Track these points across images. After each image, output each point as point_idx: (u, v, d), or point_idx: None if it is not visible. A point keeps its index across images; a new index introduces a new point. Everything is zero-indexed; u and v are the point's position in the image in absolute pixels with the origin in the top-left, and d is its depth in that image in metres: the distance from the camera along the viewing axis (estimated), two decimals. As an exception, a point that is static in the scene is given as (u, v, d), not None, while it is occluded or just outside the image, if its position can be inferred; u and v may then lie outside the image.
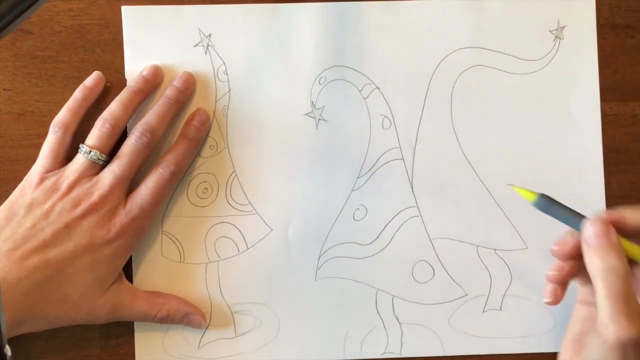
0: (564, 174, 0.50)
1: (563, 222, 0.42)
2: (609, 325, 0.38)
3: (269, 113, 0.49)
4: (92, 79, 0.48)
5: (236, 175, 0.49)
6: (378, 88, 0.49)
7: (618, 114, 0.50)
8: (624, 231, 0.41)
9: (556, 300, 0.43)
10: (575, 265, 0.43)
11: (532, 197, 0.42)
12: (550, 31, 0.50)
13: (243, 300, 0.49)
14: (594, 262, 0.40)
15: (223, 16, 0.49)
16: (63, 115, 0.47)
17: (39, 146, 0.47)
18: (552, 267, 0.43)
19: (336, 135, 0.49)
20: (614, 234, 0.40)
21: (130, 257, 0.48)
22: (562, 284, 0.43)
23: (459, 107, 0.49)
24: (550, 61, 0.50)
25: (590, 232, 0.40)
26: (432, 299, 0.49)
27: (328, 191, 0.49)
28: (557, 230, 0.49)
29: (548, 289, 0.43)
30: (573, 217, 0.42)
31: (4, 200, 0.46)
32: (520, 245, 0.49)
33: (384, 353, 0.49)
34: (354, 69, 0.49)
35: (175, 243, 0.49)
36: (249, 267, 0.49)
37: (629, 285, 0.38)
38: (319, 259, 0.49)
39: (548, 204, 0.42)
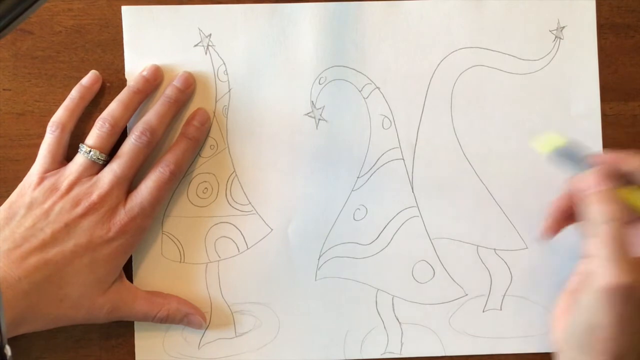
0: (564, 173, 0.49)
1: (576, 171, 0.42)
2: (601, 271, 0.38)
3: (269, 113, 0.49)
4: (89, 77, 0.48)
5: (236, 175, 0.49)
6: (378, 88, 0.49)
7: (618, 114, 0.50)
8: (624, 177, 0.41)
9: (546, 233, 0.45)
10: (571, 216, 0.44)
11: (548, 147, 0.43)
12: (550, 31, 0.50)
13: (243, 300, 0.49)
14: (589, 210, 0.40)
15: (223, 16, 0.49)
16: (60, 114, 0.47)
17: (39, 146, 0.47)
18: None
19: (336, 135, 0.49)
20: (609, 182, 0.40)
21: (130, 257, 0.48)
22: (556, 227, 0.45)
23: (459, 107, 0.49)
24: (550, 61, 0.50)
25: (588, 181, 0.41)
26: (432, 299, 0.49)
27: (328, 191, 0.49)
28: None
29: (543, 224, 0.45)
30: (583, 166, 0.42)
31: (4, 200, 0.46)
32: (520, 245, 0.49)
33: (384, 353, 0.49)
34: (354, 69, 0.49)
35: (175, 243, 0.49)
36: (249, 267, 0.49)
37: (623, 233, 0.39)
38: (319, 259, 0.49)
39: (564, 156, 0.42)
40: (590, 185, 0.41)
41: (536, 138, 0.44)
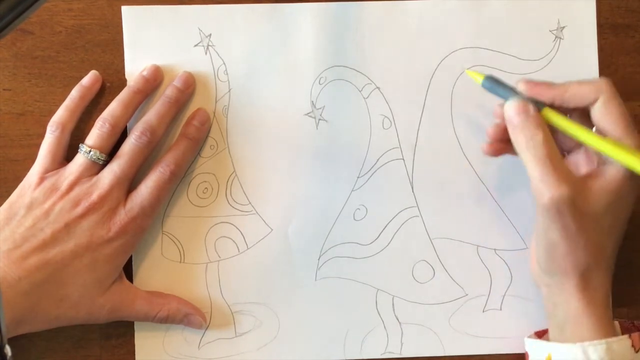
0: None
1: (504, 97, 0.44)
2: (540, 189, 0.41)
3: (269, 113, 0.49)
4: (89, 78, 0.48)
5: (236, 175, 0.49)
6: (378, 88, 0.49)
7: (618, 114, 0.50)
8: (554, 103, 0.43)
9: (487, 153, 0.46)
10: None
11: (480, 78, 0.45)
12: (550, 31, 0.50)
13: (243, 300, 0.49)
14: (517, 138, 0.42)
15: (223, 16, 0.49)
16: (60, 114, 0.47)
17: (39, 146, 0.47)
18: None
19: (336, 135, 0.49)
20: (532, 108, 0.42)
21: (130, 257, 0.48)
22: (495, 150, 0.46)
23: (459, 107, 0.49)
24: (550, 61, 0.50)
25: (509, 112, 0.43)
26: (432, 299, 0.49)
27: (328, 191, 0.49)
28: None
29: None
30: (512, 95, 0.44)
31: (4, 201, 0.46)
32: (520, 245, 0.49)
33: (384, 353, 0.49)
34: (354, 69, 0.49)
35: (175, 243, 0.49)
36: (249, 267, 0.49)
37: (552, 149, 0.41)
38: (319, 259, 0.49)
39: (493, 84, 0.44)
40: (512, 114, 0.43)
41: (469, 71, 0.46)
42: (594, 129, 0.43)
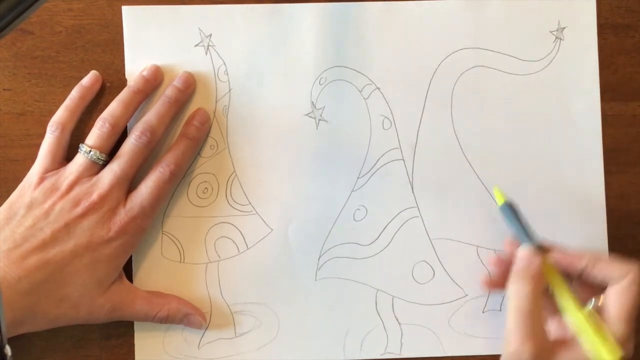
0: (564, 174, 0.50)
1: (515, 233, 0.46)
2: (507, 338, 0.42)
3: (270, 113, 0.49)
4: (89, 78, 0.48)
5: (236, 175, 0.49)
6: (378, 88, 0.49)
7: (618, 114, 0.50)
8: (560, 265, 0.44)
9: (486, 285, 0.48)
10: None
11: (500, 201, 0.47)
12: (550, 32, 0.50)
13: (243, 300, 0.49)
14: (510, 282, 0.44)
15: (223, 16, 0.49)
16: (60, 114, 0.47)
17: (39, 146, 0.47)
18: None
19: (336, 135, 0.49)
20: (536, 260, 0.44)
21: (130, 257, 0.48)
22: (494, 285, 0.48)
23: (459, 108, 0.49)
24: (550, 62, 0.50)
25: (518, 255, 0.45)
26: (432, 300, 0.49)
27: (328, 191, 0.49)
28: (557, 232, 0.49)
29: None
30: (523, 234, 0.46)
31: (4, 200, 0.46)
32: (520, 245, 0.49)
33: (384, 353, 0.49)
34: (354, 70, 0.49)
35: (175, 243, 0.49)
36: (249, 267, 0.49)
37: (532, 305, 0.42)
38: (319, 259, 0.49)
39: (509, 214, 0.46)
40: (518, 259, 0.44)
41: (497, 189, 0.48)
42: (600, 301, 0.43)
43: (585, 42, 0.50)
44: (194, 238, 0.49)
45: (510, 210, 0.47)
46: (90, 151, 0.46)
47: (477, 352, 0.49)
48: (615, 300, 0.42)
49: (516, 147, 0.50)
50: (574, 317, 0.42)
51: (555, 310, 0.45)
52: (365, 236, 0.49)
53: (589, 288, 0.45)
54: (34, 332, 0.45)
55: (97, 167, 0.46)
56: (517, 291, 0.43)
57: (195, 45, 0.49)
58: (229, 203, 0.49)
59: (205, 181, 0.49)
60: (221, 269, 0.49)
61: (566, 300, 0.43)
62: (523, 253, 0.45)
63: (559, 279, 0.44)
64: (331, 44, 0.49)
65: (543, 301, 0.43)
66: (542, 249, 0.45)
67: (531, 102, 0.50)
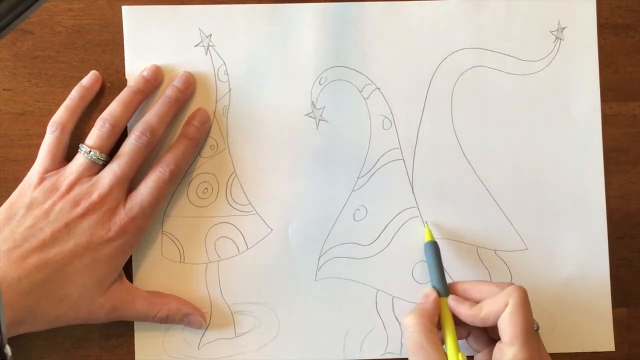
0: (564, 174, 0.50)
1: (429, 270, 0.47)
2: None
3: (270, 113, 0.49)
4: (89, 78, 0.48)
5: (236, 175, 0.49)
6: (378, 88, 0.49)
7: (618, 114, 0.50)
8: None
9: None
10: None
11: (427, 238, 0.48)
12: (550, 32, 0.50)
13: (243, 300, 0.49)
14: (404, 316, 0.45)
15: (223, 16, 0.49)
16: (60, 114, 0.47)
17: (39, 146, 0.47)
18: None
19: (336, 135, 0.49)
20: (432, 297, 0.46)
21: (130, 257, 0.48)
22: None
23: (459, 108, 0.49)
24: (550, 62, 0.50)
25: (423, 299, 0.46)
26: (432, 299, 0.49)
27: (328, 191, 0.49)
28: (557, 232, 0.49)
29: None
30: (434, 274, 0.47)
31: (4, 200, 0.46)
32: (520, 245, 0.49)
33: (384, 353, 0.49)
34: (354, 70, 0.49)
35: (175, 243, 0.49)
36: (249, 267, 0.49)
37: (420, 341, 0.43)
38: (319, 259, 0.49)
39: (430, 253, 0.47)
40: (418, 306, 0.46)
41: (428, 227, 0.49)
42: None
43: (585, 42, 0.50)
44: (194, 238, 0.49)
45: (433, 249, 0.47)
46: (90, 151, 0.46)
47: (477, 352, 0.49)
48: (507, 326, 0.42)
49: (516, 147, 0.50)
50: (450, 358, 0.43)
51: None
52: (365, 236, 0.49)
53: (486, 336, 0.46)
54: (34, 332, 0.45)
55: (97, 167, 0.46)
56: (406, 324, 0.44)
57: (195, 45, 0.49)
58: (229, 203, 0.49)
59: (205, 181, 0.49)
60: (221, 269, 0.49)
61: (448, 342, 0.44)
62: (425, 292, 0.46)
63: (449, 322, 0.45)
64: (331, 44, 0.49)
65: (438, 337, 0.44)
66: (445, 292, 0.46)
67: (531, 102, 0.50)
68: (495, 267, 0.49)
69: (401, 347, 0.49)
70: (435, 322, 0.45)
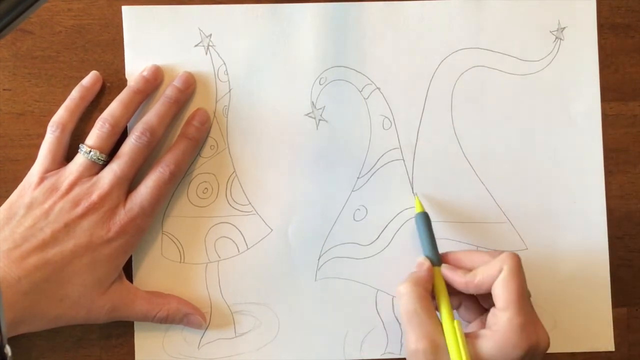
0: (564, 174, 0.50)
1: (421, 241, 0.47)
2: (405, 337, 0.43)
3: (270, 113, 0.49)
4: (90, 78, 0.48)
5: (236, 175, 0.49)
6: (378, 88, 0.49)
7: (618, 114, 0.50)
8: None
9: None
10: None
11: (417, 210, 0.48)
12: (551, 32, 0.50)
13: (243, 300, 0.49)
14: (398, 285, 0.45)
15: (223, 16, 0.49)
16: (61, 114, 0.47)
17: (39, 146, 0.47)
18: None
19: (336, 135, 0.49)
20: (426, 265, 0.46)
21: (130, 257, 0.48)
22: None
23: (459, 108, 0.49)
24: (550, 62, 0.50)
25: (417, 268, 0.46)
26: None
27: (328, 191, 0.49)
28: (557, 232, 0.49)
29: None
30: (426, 244, 0.47)
31: (4, 200, 0.46)
32: (520, 245, 0.49)
33: (384, 353, 0.49)
34: (354, 70, 0.49)
35: (175, 243, 0.49)
36: (249, 267, 0.49)
37: (415, 308, 0.43)
38: (319, 259, 0.49)
39: (421, 223, 0.47)
40: (414, 273, 0.46)
41: (418, 198, 0.49)
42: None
43: (585, 42, 0.50)
44: (194, 238, 0.49)
45: (424, 220, 0.47)
46: (90, 151, 0.46)
47: (477, 352, 0.49)
48: (503, 295, 0.42)
49: (516, 147, 0.50)
50: (444, 326, 0.43)
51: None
52: (365, 236, 0.49)
53: (477, 306, 0.46)
54: (34, 332, 0.45)
55: (97, 167, 0.46)
56: (400, 291, 0.44)
57: (195, 45, 0.49)
58: (229, 203, 0.49)
59: (205, 181, 0.49)
60: (221, 269, 0.49)
61: (442, 309, 0.44)
62: (418, 261, 0.46)
63: (442, 290, 0.45)
64: (331, 44, 0.49)
65: (432, 304, 0.44)
66: (438, 261, 0.46)
67: (531, 102, 0.50)
68: (495, 267, 0.49)
69: (401, 347, 0.49)
70: (430, 290, 0.45)
